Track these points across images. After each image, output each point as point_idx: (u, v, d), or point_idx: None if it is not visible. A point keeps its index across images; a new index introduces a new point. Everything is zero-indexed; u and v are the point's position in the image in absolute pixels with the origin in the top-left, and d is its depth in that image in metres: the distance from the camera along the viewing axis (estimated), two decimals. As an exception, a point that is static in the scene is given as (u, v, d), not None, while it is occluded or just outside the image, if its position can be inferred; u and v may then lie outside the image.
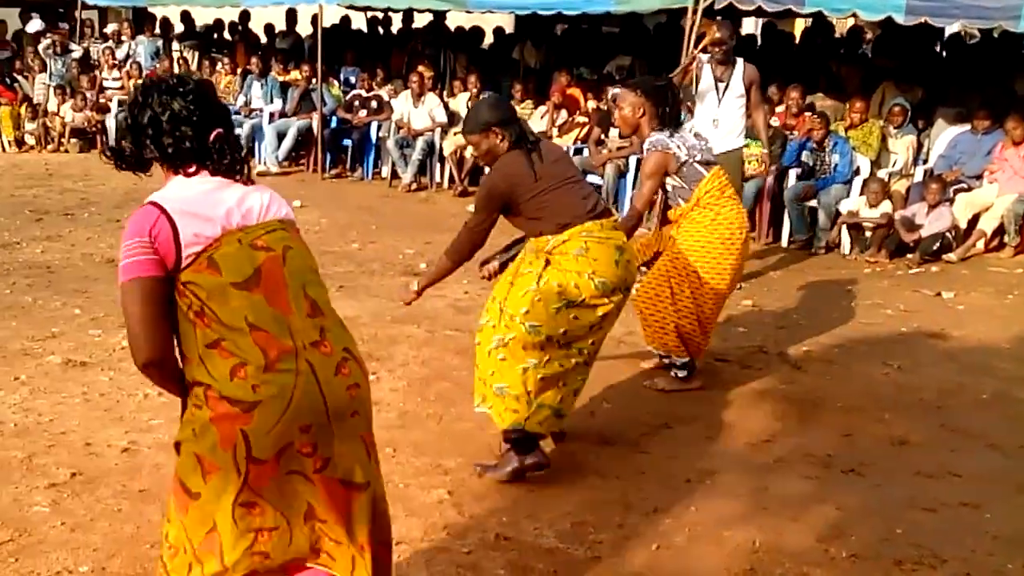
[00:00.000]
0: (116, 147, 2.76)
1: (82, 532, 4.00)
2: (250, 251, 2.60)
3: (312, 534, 2.73)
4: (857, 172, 9.98)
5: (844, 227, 9.74)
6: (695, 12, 9.58)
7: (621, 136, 5.99)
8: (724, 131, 8.12)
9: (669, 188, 5.70)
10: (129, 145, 2.71)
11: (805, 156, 10.16)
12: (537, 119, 12.36)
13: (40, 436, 4.89)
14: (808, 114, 10.37)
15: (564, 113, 12.10)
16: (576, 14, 11.94)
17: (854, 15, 10.07)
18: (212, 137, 2.67)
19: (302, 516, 2.69)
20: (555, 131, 11.91)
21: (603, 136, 11.11)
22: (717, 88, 8.15)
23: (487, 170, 4.71)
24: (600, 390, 5.80)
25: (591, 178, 11.09)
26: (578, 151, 11.54)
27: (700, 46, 8.35)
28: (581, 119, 11.89)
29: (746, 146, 8.65)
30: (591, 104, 12.14)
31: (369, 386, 2.83)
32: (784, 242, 10.07)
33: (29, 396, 5.41)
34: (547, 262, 4.50)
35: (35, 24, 17.73)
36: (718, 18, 8.76)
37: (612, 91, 10.93)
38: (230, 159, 2.69)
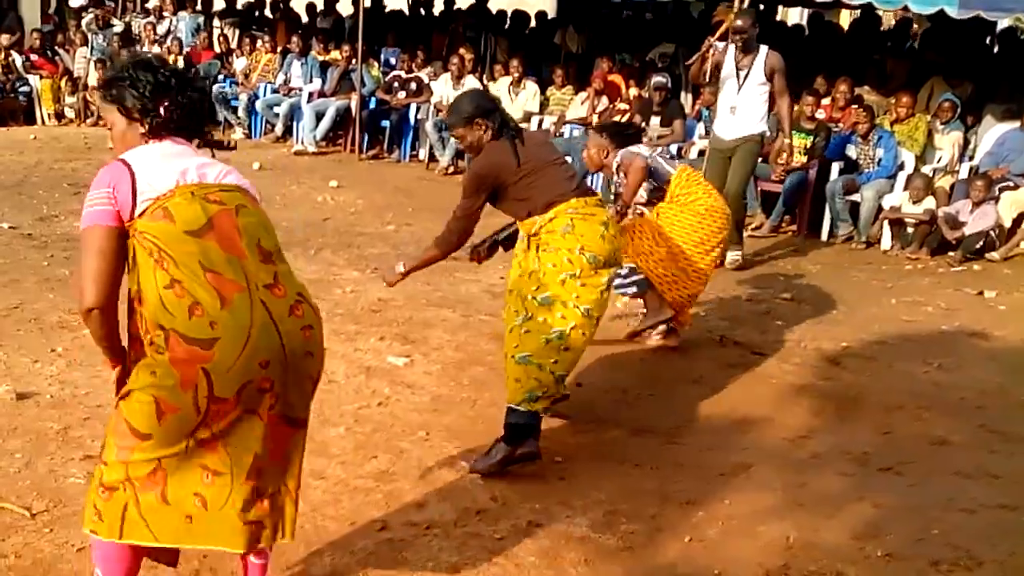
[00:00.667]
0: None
1: (115, 506, 3.99)
2: (203, 202, 2.75)
3: (249, 496, 2.79)
4: (901, 167, 9.86)
5: (886, 222, 9.64)
6: (742, 1, 9.46)
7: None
8: (742, 118, 8.23)
9: (645, 194, 6.24)
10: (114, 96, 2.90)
11: (849, 149, 10.06)
12: (577, 105, 12.30)
13: (76, 408, 4.91)
14: (854, 107, 10.24)
15: (605, 100, 12.02)
16: (620, 0, 11.81)
17: (904, 7, 9.90)
18: (180, 102, 2.87)
19: (245, 472, 2.77)
20: (595, 118, 11.81)
21: (644, 124, 11.01)
22: (738, 75, 8.20)
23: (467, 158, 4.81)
24: (637, 380, 5.80)
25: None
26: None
27: (716, 33, 8.40)
28: (622, 106, 11.80)
29: (763, 136, 8.61)
30: (632, 91, 12.06)
31: (322, 330, 2.95)
32: (824, 236, 9.98)
33: (66, 368, 5.42)
34: (537, 247, 4.59)
35: None
36: (739, 6, 8.69)
37: (655, 78, 10.88)
38: (196, 121, 2.93)
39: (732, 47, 8.23)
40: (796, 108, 10.23)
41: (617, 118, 11.59)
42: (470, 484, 4.37)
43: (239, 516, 2.80)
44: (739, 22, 8.14)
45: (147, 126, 2.87)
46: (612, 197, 6.85)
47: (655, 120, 10.92)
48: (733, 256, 8.42)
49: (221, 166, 2.90)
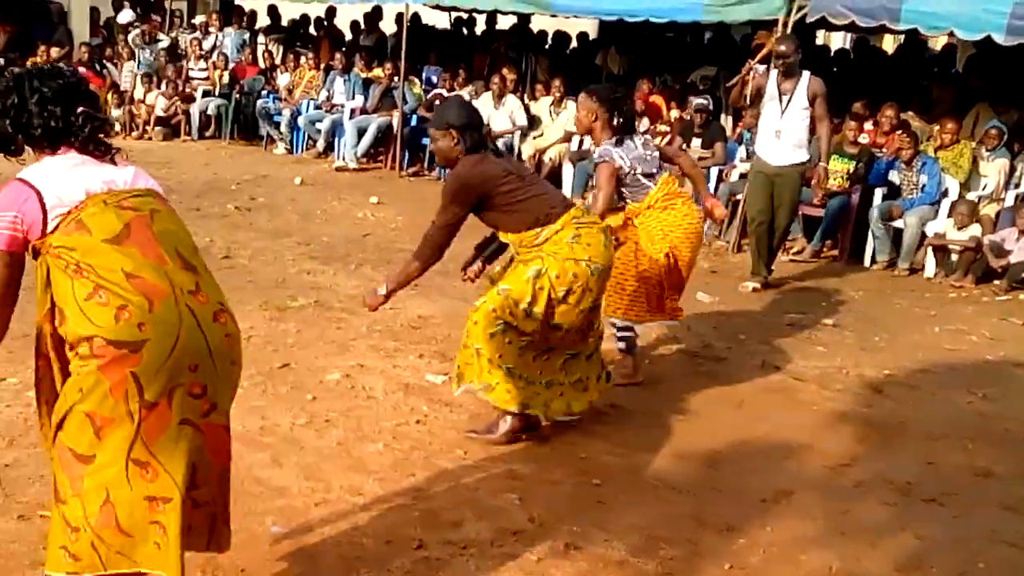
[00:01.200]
0: None
1: (156, 518, 4.00)
2: (117, 210, 2.73)
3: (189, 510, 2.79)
4: (945, 194, 9.74)
5: (930, 249, 9.52)
6: (785, 25, 9.47)
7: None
8: (786, 143, 8.24)
9: (623, 191, 5.93)
10: (2, 128, 2.85)
11: (892, 175, 9.98)
12: (618, 126, 12.26)
13: None
14: (898, 133, 10.16)
15: (646, 121, 11.97)
16: (663, 22, 11.80)
17: (950, 33, 9.84)
18: (78, 112, 2.80)
19: (185, 484, 2.75)
20: (637, 139, 11.80)
21: (684, 146, 10.98)
22: (780, 100, 8.19)
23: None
24: (673, 404, 5.74)
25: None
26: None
27: (757, 57, 8.47)
28: (663, 128, 11.76)
29: (808, 161, 8.57)
30: (673, 113, 12.03)
31: (240, 341, 2.94)
32: (867, 262, 9.87)
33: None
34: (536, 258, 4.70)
35: (126, 14, 18.03)
36: (782, 31, 8.69)
37: (696, 100, 10.84)
38: (93, 132, 2.82)
39: (774, 71, 8.24)
40: (839, 133, 10.19)
41: (658, 140, 11.57)
42: (508, 505, 4.34)
43: (179, 539, 2.77)
44: (782, 47, 8.14)
45: (44, 140, 2.84)
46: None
47: (696, 142, 10.88)
48: (752, 284, 8.57)
49: (127, 170, 2.88)
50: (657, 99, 12.38)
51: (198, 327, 2.71)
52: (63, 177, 2.75)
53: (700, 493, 4.63)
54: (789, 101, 8.16)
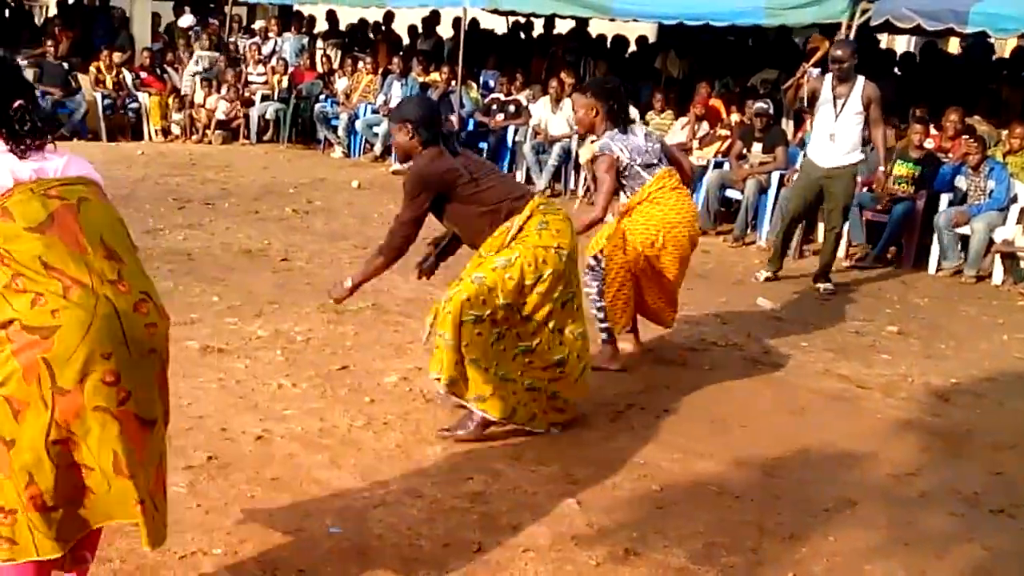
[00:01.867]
0: None
1: (216, 515, 4.03)
2: (43, 199, 2.73)
3: (127, 487, 2.78)
4: (1014, 200, 9.53)
5: (997, 256, 9.35)
6: (848, 28, 9.36)
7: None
8: (840, 146, 8.27)
9: (622, 182, 6.02)
10: None
11: (959, 180, 9.81)
12: (677, 130, 12.20)
13: (178, 418, 4.86)
14: (964, 137, 9.98)
15: (705, 125, 11.91)
16: (723, 25, 11.71)
17: (1021, 35, 9.66)
18: (13, 107, 2.79)
19: (111, 468, 2.74)
20: (695, 143, 11.72)
21: (745, 151, 10.88)
22: (835, 104, 8.23)
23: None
24: (733, 409, 5.67)
25: (731, 193, 10.90)
26: (719, 165, 11.32)
27: (812, 60, 8.49)
28: (723, 132, 11.67)
29: (858, 165, 8.55)
30: (734, 117, 11.92)
31: (167, 329, 2.93)
32: (932, 268, 9.72)
33: (169, 378, 5.42)
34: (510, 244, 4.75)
35: (187, 19, 18.26)
36: (843, 35, 8.67)
37: (757, 104, 10.73)
38: (30, 127, 2.80)
39: (829, 75, 8.25)
40: (904, 138, 10.05)
41: (717, 144, 11.50)
42: (566, 509, 4.30)
43: (128, 493, 2.80)
44: (838, 52, 8.15)
45: None
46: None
47: (757, 147, 10.76)
48: (826, 286, 8.62)
49: (60, 159, 2.86)
50: (717, 103, 12.29)
51: (115, 315, 2.71)
52: None
53: (761, 500, 4.56)
54: (844, 105, 8.18)
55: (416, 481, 4.45)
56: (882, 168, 8.74)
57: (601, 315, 6.03)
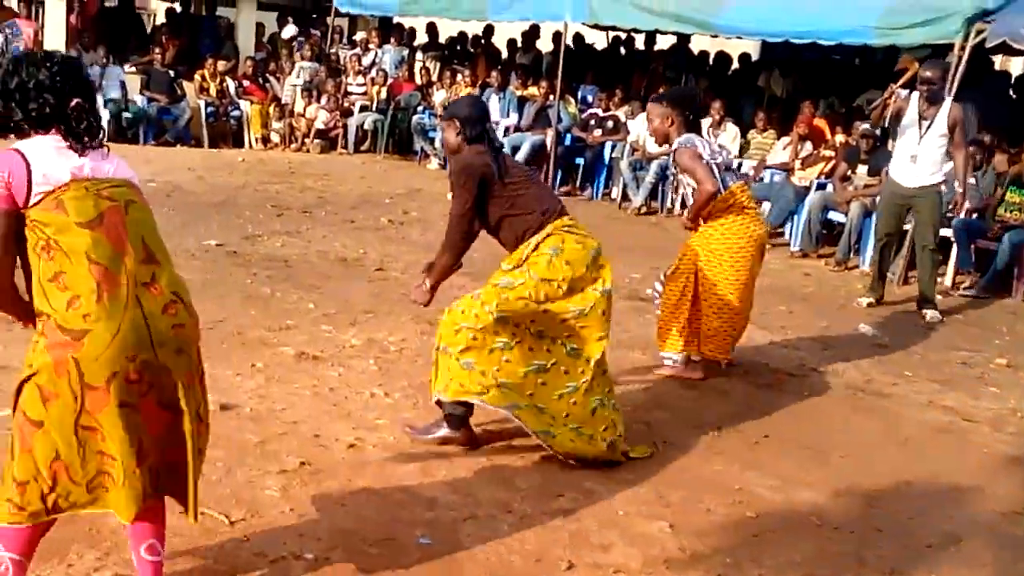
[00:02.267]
0: None
1: (308, 520, 4.04)
2: (95, 198, 2.91)
3: (141, 475, 2.94)
4: None
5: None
6: (962, 48, 9.12)
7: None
8: (922, 167, 8.24)
9: (691, 189, 6.03)
10: (5, 107, 3.00)
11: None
12: (779, 150, 12.01)
13: (273, 423, 4.99)
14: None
15: (808, 145, 11.68)
16: (830, 44, 11.48)
17: None
18: (72, 105, 2.96)
19: (134, 456, 2.90)
20: (798, 163, 11.50)
21: (850, 172, 10.64)
22: (920, 125, 8.20)
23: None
24: (834, 438, 5.53)
25: (833, 215, 10.69)
26: (821, 186, 11.09)
27: (900, 81, 8.45)
28: (827, 153, 11.42)
29: (942, 186, 8.48)
30: (839, 138, 11.67)
31: (196, 328, 3.08)
32: (1047, 299, 9.40)
33: (264, 384, 5.51)
34: (523, 264, 4.72)
35: (290, 30, 18.54)
36: (957, 55, 8.78)
37: (863, 126, 10.51)
38: (86, 125, 2.97)
39: (916, 96, 8.20)
40: (1018, 163, 9.77)
41: (820, 165, 11.28)
42: (658, 531, 4.22)
43: (132, 487, 2.93)
44: (928, 73, 8.09)
45: (36, 123, 2.98)
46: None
47: (862, 168, 10.54)
48: (932, 314, 8.46)
49: (112, 161, 3.03)
50: (821, 123, 12.06)
51: (143, 319, 2.88)
52: (51, 157, 2.91)
53: (861, 532, 4.43)
54: (929, 127, 8.15)
55: (506, 495, 4.41)
56: (958, 190, 8.59)
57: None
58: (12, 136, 3.02)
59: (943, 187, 8.49)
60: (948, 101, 8.16)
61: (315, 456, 4.64)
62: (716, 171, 5.90)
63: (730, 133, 12.52)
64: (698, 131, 6.10)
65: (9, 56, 3.12)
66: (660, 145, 6.30)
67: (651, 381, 6.16)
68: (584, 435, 4.76)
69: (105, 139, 3.10)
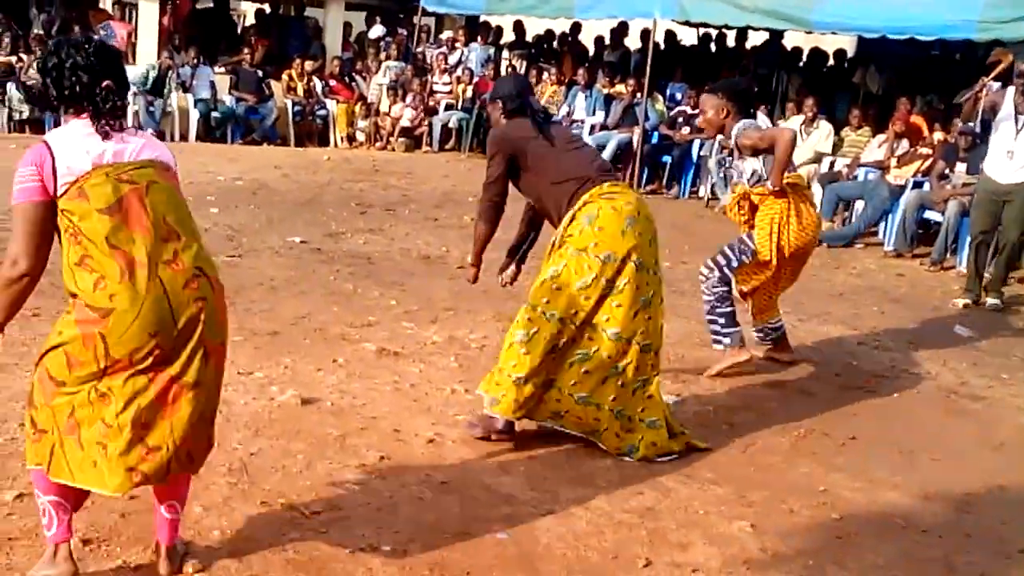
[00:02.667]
0: (32, 87, 3.28)
1: (386, 513, 4.05)
2: (115, 183, 3.05)
3: (131, 442, 3.08)
4: None
5: None
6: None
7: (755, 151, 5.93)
8: (1018, 163, 8.10)
9: (749, 171, 5.99)
10: (39, 86, 3.19)
11: None
12: (874, 148, 11.74)
13: (353, 418, 5.02)
14: None
15: (905, 143, 11.39)
16: (930, 40, 11.17)
17: None
18: (103, 85, 3.12)
19: (131, 423, 3.07)
20: (894, 161, 11.23)
21: (948, 171, 10.36)
22: (1016, 120, 7.97)
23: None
24: (923, 439, 5.41)
25: (930, 214, 10.44)
26: (918, 184, 10.81)
27: (992, 74, 8.33)
28: (924, 150, 11.13)
29: None
30: (937, 135, 11.38)
31: (220, 301, 3.21)
32: None
33: (345, 379, 5.55)
34: (562, 243, 4.78)
35: (377, 30, 18.68)
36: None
37: (960, 126, 10.23)
38: (111, 106, 3.13)
39: (1012, 89, 8.03)
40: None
41: (917, 164, 11.00)
42: (739, 531, 4.14)
43: (120, 461, 3.08)
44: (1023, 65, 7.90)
45: (70, 102, 3.16)
46: (724, 182, 6.60)
47: (961, 167, 10.22)
48: (992, 302, 8.52)
49: (137, 141, 3.17)
50: (918, 120, 11.77)
51: (165, 297, 3.05)
52: (75, 147, 3.07)
53: (951, 537, 4.30)
54: None
55: (585, 492, 4.37)
56: None
57: (724, 320, 6.04)
58: (47, 114, 3.23)
59: None
60: None
61: (394, 450, 4.66)
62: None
63: (823, 131, 12.27)
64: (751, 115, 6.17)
65: (52, 42, 3.29)
66: (713, 137, 6.25)
67: (737, 383, 6.05)
68: (624, 417, 4.77)
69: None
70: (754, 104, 6.21)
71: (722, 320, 6.02)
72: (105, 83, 3.13)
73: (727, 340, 6.03)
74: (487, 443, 4.82)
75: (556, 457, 4.74)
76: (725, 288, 6.05)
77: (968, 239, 8.77)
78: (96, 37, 3.38)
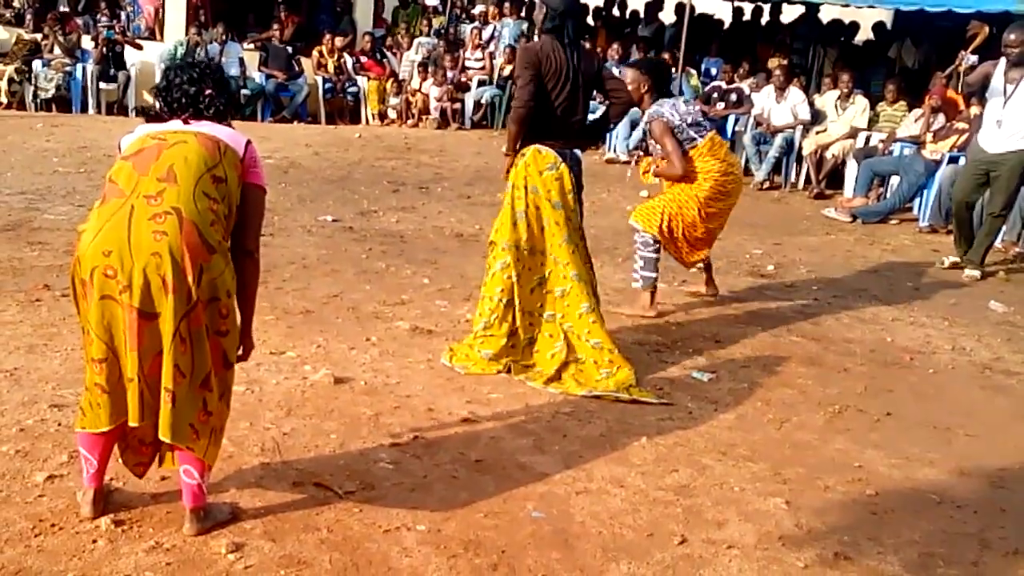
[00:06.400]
0: (147, 109, 3.79)
1: (420, 492, 4.06)
2: (146, 139, 3.43)
3: (136, 363, 3.28)
4: None
5: None
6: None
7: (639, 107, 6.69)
8: (1007, 132, 8.24)
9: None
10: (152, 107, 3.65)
11: None
12: (910, 122, 11.62)
13: (387, 396, 5.03)
14: None
15: (941, 118, 11.25)
16: (969, 12, 11.02)
17: None
18: (205, 93, 3.53)
19: (124, 345, 3.28)
20: (929, 136, 11.11)
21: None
22: (1005, 90, 8.17)
23: None
24: (958, 416, 5.39)
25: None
26: (954, 160, 10.69)
27: (971, 47, 8.51)
28: (960, 125, 10.99)
29: None
30: (974, 110, 11.23)
31: (189, 241, 3.23)
32: None
33: (378, 357, 5.56)
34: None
35: None
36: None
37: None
38: (215, 110, 3.55)
39: (1003, 60, 8.17)
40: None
41: (954, 139, 10.88)
42: (774, 508, 4.15)
43: (135, 368, 3.29)
44: (1012, 36, 8.06)
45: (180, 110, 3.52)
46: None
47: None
48: (970, 273, 8.61)
49: (209, 126, 3.47)
50: (954, 94, 11.62)
51: (127, 223, 3.23)
52: (145, 129, 3.52)
53: (985, 512, 4.30)
54: (1015, 90, 8.11)
55: (620, 471, 4.38)
56: None
57: (645, 263, 6.64)
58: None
59: None
60: None
61: (428, 429, 4.67)
62: (689, 132, 6.47)
63: (859, 106, 12.16)
64: (670, 96, 6.67)
65: (132, 34, 3.62)
66: (636, 104, 6.62)
67: (772, 359, 6.05)
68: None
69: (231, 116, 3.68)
70: (669, 81, 6.86)
71: (641, 262, 6.65)
72: (208, 91, 3.53)
73: (638, 283, 6.68)
74: (522, 421, 4.84)
75: (592, 436, 4.75)
76: (650, 237, 6.63)
77: (958, 203, 8.78)
78: (202, 61, 3.75)
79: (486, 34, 17.07)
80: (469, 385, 5.25)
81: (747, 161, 12.63)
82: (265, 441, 4.39)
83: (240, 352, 3.57)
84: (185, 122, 3.47)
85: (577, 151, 5.75)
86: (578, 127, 5.67)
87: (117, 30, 15.48)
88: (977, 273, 8.53)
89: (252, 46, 16.20)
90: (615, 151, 13.60)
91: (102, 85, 14.97)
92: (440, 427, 4.71)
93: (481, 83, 16.00)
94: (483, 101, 15.93)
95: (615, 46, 14.84)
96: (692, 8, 14.54)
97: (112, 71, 15.04)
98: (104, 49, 14.94)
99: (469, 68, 16.23)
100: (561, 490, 4.17)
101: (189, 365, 3.31)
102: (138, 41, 15.56)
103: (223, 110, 3.56)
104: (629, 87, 6.34)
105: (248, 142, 3.51)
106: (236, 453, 4.21)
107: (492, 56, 16.22)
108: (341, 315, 6.25)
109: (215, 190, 3.35)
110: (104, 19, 15.70)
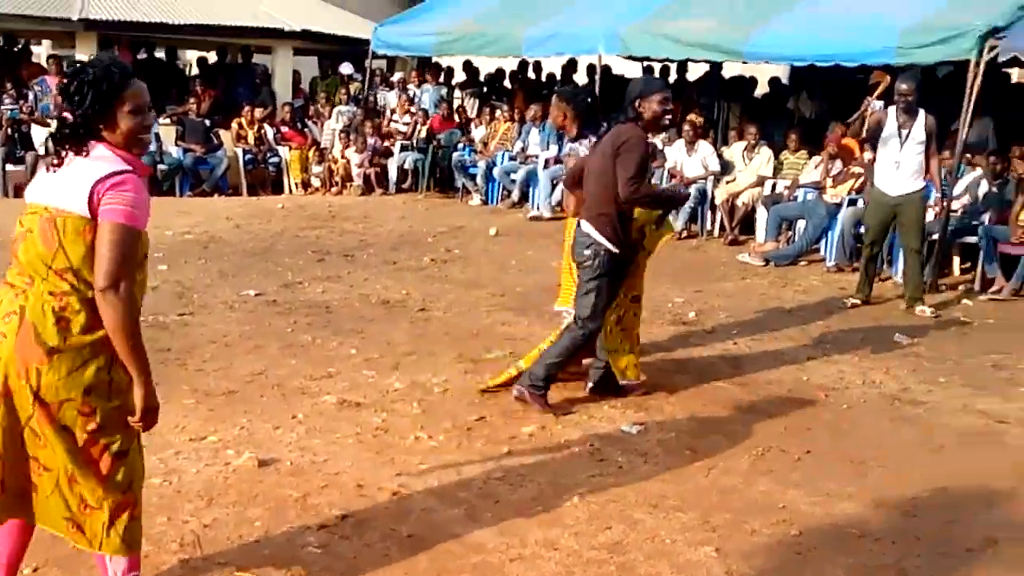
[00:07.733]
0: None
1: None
2: (21, 218, 3.20)
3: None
4: None
5: None
6: (977, 64, 9.79)
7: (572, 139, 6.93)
8: (905, 174, 8.90)
9: None
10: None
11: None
12: (811, 169, 12.12)
13: (314, 476, 4.95)
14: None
15: (839, 163, 11.75)
16: (854, 65, 11.61)
17: None
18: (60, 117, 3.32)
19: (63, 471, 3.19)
20: (829, 181, 11.58)
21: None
22: (900, 134, 8.84)
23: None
24: (870, 449, 5.60)
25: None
26: (852, 202, 11.21)
27: (875, 94, 9.06)
28: (856, 169, 11.49)
29: (924, 191, 9.07)
30: (867, 155, 11.68)
31: (17, 342, 3.08)
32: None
33: (305, 435, 5.50)
34: None
35: (347, 67, 18.48)
36: (980, 68, 9.45)
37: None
38: (76, 134, 3.13)
39: (893, 108, 8.85)
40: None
41: (851, 182, 11.35)
42: (704, 557, 4.26)
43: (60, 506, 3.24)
44: (904, 86, 8.72)
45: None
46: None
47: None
48: (922, 308, 9.02)
49: (66, 176, 3.10)
50: (850, 141, 12.06)
51: None
52: (33, 185, 3.29)
53: (902, 542, 4.48)
54: (908, 135, 8.81)
55: (553, 533, 4.43)
56: (936, 195, 9.42)
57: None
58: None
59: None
60: (922, 112, 8.79)
61: (358, 507, 4.60)
62: None
63: (764, 155, 12.65)
64: (596, 126, 6.64)
65: (39, 113, 3.50)
66: (558, 130, 7.27)
67: (698, 407, 6.21)
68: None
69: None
70: (594, 112, 7.11)
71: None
72: (66, 114, 3.17)
73: None
74: (454, 490, 4.85)
75: (524, 500, 4.77)
76: None
77: (901, 251, 9.31)
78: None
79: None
80: (399, 457, 5.23)
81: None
82: (184, 535, 4.24)
83: (137, 421, 3.18)
84: (56, 168, 3.15)
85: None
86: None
87: (24, 110, 15.29)
88: (928, 309, 8.96)
89: (168, 120, 16.02)
90: (539, 209, 13.80)
91: (8, 167, 14.69)
92: (370, 504, 4.65)
93: (404, 148, 16.13)
94: (406, 166, 16.05)
95: (533, 107, 15.02)
96: (606, 68, 14.91)
97: (19, 152, 14.80)
98: (9, 130, 14.75)
99: (397, 132, 16.35)
100: (495, 558, 4.18)
101: (51, 460, 3.18)
102: (47, 119, 15.28)
103: (87, 126, 3.10)
104: (554, 113, 6.93)
105: (106, 176, 3.04)
106: (153, 551, 4.00)
107: (414, 120, 16.38)
108: (265, 393, 6.14)
109: (60, 282, 3.09)
110: (8, 100, 15.50)
